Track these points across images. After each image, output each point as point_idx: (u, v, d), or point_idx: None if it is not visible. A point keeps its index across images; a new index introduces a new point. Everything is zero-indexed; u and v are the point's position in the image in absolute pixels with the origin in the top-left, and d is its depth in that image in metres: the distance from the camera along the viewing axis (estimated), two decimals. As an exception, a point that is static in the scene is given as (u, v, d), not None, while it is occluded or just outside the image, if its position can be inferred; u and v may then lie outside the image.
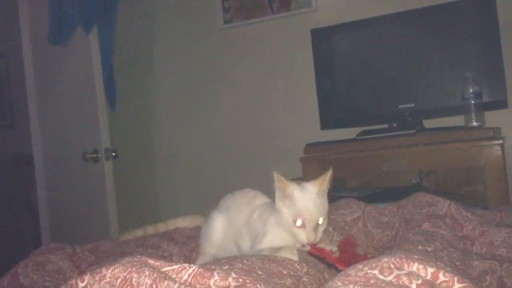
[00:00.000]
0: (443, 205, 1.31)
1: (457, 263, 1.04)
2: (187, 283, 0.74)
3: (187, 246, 1.40)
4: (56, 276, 1.24)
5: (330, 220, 1.25)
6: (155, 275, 0.73)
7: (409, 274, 0.73)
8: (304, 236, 1.09)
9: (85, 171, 2.87)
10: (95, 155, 2.79)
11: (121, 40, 3.27)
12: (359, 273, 0.74)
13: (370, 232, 1.31)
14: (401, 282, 0.71)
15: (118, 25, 3.11)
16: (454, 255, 1.07)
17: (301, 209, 1.12)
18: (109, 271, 0.76)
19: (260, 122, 3.12)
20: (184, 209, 3.25)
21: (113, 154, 2.86)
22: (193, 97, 3.30)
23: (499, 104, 2.34)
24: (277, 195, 1.19)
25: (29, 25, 3.17)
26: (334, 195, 2.43)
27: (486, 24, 2.37)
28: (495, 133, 2.18)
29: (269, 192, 3.01)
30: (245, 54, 3.17)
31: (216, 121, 3.24)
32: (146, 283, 0.72)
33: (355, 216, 1.36)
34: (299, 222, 1.11)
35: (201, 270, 0.76)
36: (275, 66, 3.08)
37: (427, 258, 0.81)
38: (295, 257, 0.99)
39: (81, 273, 1.18)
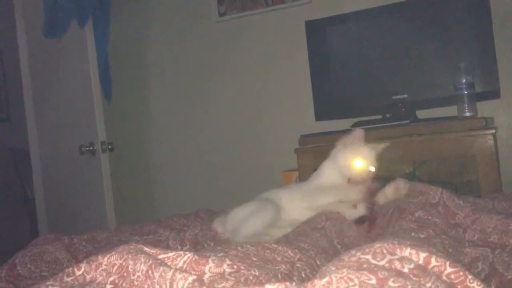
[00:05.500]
0: (436, 193, 1.32)
1: (450, 250, 1.05)
2: (182, 269, 0.75)
3: (183, 233, 1.41)
4: (53, 266, 1.25)
5: (321, 214, 1.32)
6: (150, 262, 0.74)
7: (402, 259, 0.74)
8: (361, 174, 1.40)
9: (82, 164, 2.88)
10: (91, 148, 2.80)
11: (116, 33, 3.27)
12: (352, 258, 0.75)
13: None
14: (393, 267, 0.72)
15: (113, 18, 3.11)
16: (446, 242, 1.08)
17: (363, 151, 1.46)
18: (105, 258, 0.77)
19: (255, 114, 3.13)
20: (180, 201, 3.27)
21: (109, 146, 2.86)
22: (188, 89, 3.31)
23: (491, 94, 2.36)
24: (338, 148, 1.54)
25: (24, 19, 3.17)
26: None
27: (479, 15, 2.38)
28: (488, 123, 2.19)
29: (265, 182, 3.03)
30: (240, 47, 3.17)
31: (211, 114, 3.24)
32: (142, 269, 0.73)
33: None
34: (359, 162, 1.42)
35: (196, 257, 0.77)
36: (269, 58, 3.09)
37: (420, 243, 0.82)
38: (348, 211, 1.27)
39: (78, 262, 1.19)
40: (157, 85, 3.40)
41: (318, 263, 0.94)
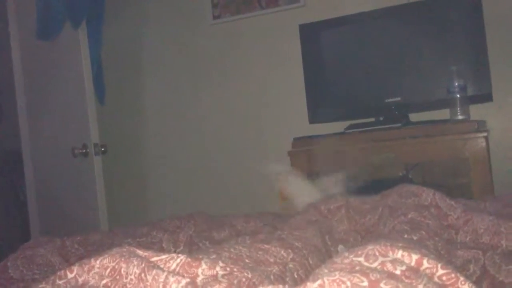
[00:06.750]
0: (428, 195, 1.33)
1: (442, 252, 1.06)
2: (175, 272, 0.75)
3: (176, 234, 1.41)
4: (46, 269, 1.24)
5: (313, 208, 1.32)
6: (143, 265, 0.74)
7: (394, 261, 0.74)
8: None
9: (75, 166, 2.86)
10: (84, 150, 2.79)
11: (110, 36, 3.26)
12: (345, 261, 0.76)
13: (352, 217, 1.34)
14: (385, 269, 0.72)
15: (107, 20, 3.11)
16: (439, 244, 1.09)
17: None
18: (98, 261, 0.77)
19: (249, 116, 3.13)
20: (174, 203, 3.27)
21: (103, 149, 2.85)
22: (182, 92, 3.31)
23: (484, 97, 2.37)
24: None
25: (17, 20, 3.16)
26: (322, 188, 2.46)
27: (471, 19, 2.40)
28: (480, 126, 2.21)
29: (259, 185, 3.02)
30: (234, 49, 3.17)
31: (205, 116, 3.24)
32: (135, 272, 0.73)
33: (338, 204, 1.38)
34: None
35: (189, 260, 0.77)
36: (263, 61, 3.10)
37: (412, 245, 0.82)
38: None
39: (70, 265, 1.19)
40: (151, 88, 3.40)
41: (311, 262, 0.95)
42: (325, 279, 0.67)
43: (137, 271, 0.73)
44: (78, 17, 2.79)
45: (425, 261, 0.75)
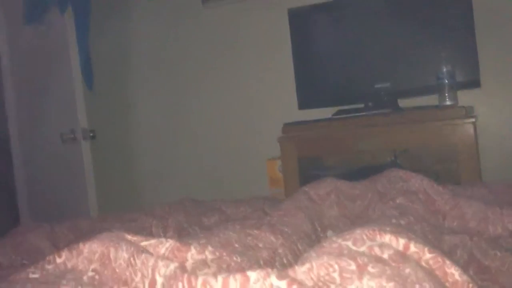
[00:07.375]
0: (416, 180, 1.34)
1: (429, 237, 1.07)
2: (164, 257, 0.75)
3: (165, 220, 1.41)
4: (35, 254, 1.24)
5: (303, 193, 1.32)
6: (132, 249, 0.74)
7: (381, 245, 0.75)
8: None
9: (63, 152, 2.85)
10: (72, 136, 2.77)
11: (98, 21, 3.23)
12: (333, 245, 0.76)
13: (342, 202, 1.34)
14: (373, 253, 0.73)
15: (95, 6, 3.07)
16: (427, 229, 1.10)
17: None
18: (87, 246, 0.76)
19: (239, 102, 3.13)
20: (163, 189, 3.26)
21: (91, 134, 2.84)
22: (171, 77, 3.29)
23: (472, 83, 2.39)
24: None
25: (3, 5, 3.12)
26: (311, 174, 2.47)
27: (460, 5, 2.40)
28: (468, 112, 2.22)
29: (248, 171, 3.02)
30: (222, 34, 3.15)
31: (194, 102, 3.23)
32: (124, 257, 0.73)
33: (328, 190, 1.38)
34: None
35: (178, 244, 0.77)
36: (253, 47, 3.08)
37: (400, 230, 0.83)
38: None
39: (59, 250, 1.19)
40: (140, 73, 3.38)
41: (300, 248, 0.95)
42: (313, 262, 0.67)
43: (126, 256, 0.73)
44: (65, 1, 2.76)
45: (412, 245, 0.75)
